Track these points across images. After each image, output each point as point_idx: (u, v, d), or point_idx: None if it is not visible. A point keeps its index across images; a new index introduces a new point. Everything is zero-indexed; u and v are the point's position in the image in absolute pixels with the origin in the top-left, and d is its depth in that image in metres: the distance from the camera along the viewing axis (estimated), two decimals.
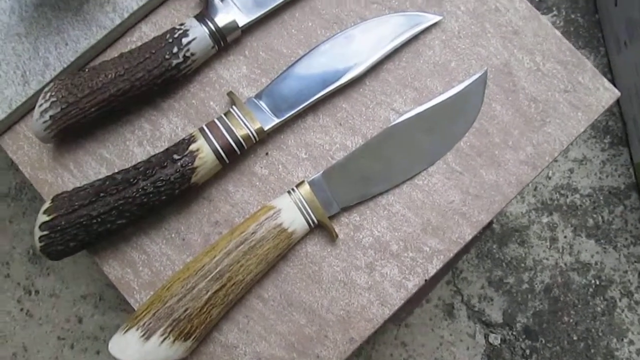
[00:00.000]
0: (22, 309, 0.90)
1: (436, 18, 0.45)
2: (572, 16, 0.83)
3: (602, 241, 0.89)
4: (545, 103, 0.44)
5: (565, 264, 0.89)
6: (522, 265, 0.90)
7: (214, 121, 0.42)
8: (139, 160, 0.44)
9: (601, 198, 0.89)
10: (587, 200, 0.86)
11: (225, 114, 0.42)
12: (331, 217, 0.42)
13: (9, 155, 0.45)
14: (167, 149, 0.41)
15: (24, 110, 0.45)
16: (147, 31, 0.46)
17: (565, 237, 0.87)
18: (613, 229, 0.89)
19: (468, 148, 0.44)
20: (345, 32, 0.45)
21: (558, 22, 0.84)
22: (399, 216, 0.43)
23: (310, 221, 0.41)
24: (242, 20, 0.44)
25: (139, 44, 0.46)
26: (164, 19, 0.46)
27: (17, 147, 0.45)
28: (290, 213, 0.41)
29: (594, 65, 0.88)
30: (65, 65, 0.44)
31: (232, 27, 0.44)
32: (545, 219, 0.88)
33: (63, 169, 0.44)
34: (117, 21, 0.45)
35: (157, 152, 0.44)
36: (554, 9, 0.83)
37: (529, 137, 0.44)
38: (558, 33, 0.46)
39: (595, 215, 0.86)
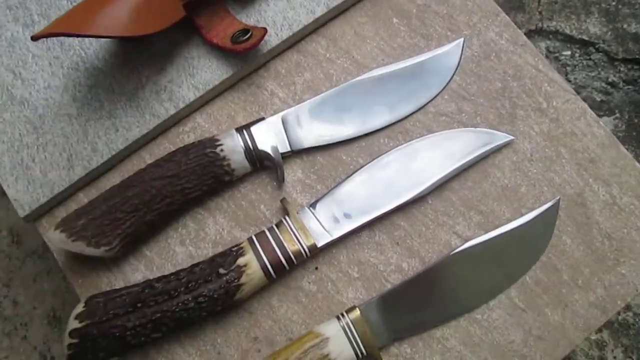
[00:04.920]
0: None
1: (508, 138, 0.42)
2: (636, 120, 0.79)
3: None
4: (620, 241, 0.41)
5: None
6: None
7: (264, 232, 0.39)
8: (179, 260, 0.42)
9: None
10: None
11: (277, 225, 0.40)
12: (380, 348, 0.39)
13: (45, 240, 0.43)
14: (212, 259, 0.38)
15: (66, 195, 0.43)
16: (201, 122, 0.44)
17: (614, 357, 0.81)
18: None
19: (533, 283, 0.40)
20: (410, 145, 0.42)
21: (620, 125, 0.80)
22: (454, 352, 0.39)
23: (360, 352, 0.38)
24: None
25: (192, 135, 0.44)
26: (220, 111, 0.44)
27: None
28: (339, 343, 0.37)
29: None
30: (113, 153, 0.42)
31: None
32: (593, 336, 0.82)
33: (99, 262, 0.42)
34: (172, 111, 0.43)
35: (199, 252, 0.42)
36: (617, 111, 0.79)
37: (601, 278, 0.40)
38: (638, 165, 0.42)
39: None
